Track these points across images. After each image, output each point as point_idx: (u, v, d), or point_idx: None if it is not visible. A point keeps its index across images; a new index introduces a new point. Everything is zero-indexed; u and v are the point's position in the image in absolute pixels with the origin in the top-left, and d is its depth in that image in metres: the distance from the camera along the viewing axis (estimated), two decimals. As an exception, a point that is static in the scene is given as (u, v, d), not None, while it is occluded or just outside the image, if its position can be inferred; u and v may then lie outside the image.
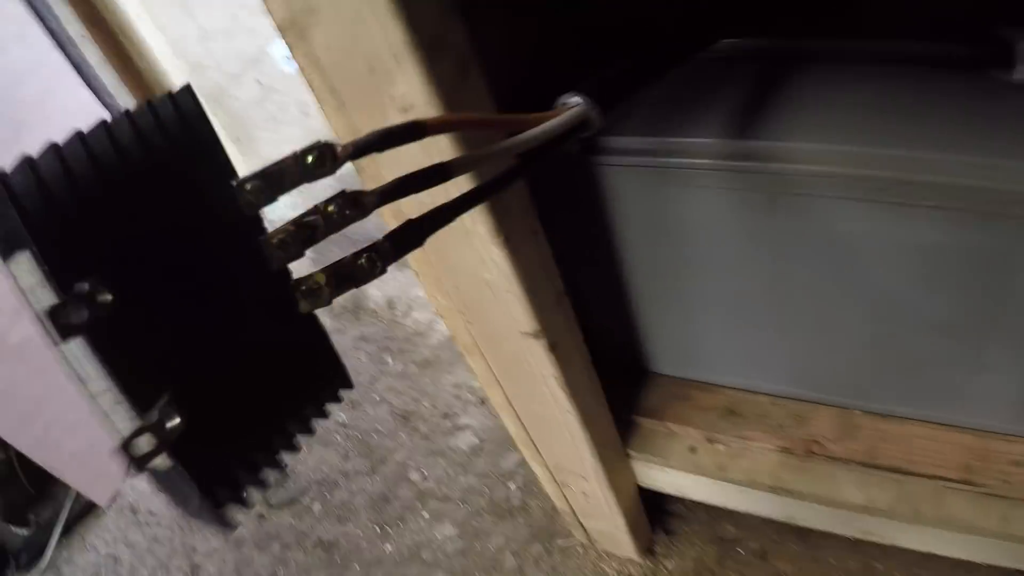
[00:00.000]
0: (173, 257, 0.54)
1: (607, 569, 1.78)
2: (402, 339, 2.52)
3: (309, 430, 0.62)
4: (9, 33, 2.55)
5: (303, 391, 0.60)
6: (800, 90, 1.06)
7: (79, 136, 0.53)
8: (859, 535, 1.43)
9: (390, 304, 2.63)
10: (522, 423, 1.37)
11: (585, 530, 1.72)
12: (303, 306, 0.54)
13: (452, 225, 0.89)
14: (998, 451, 1.24)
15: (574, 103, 0.73)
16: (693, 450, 1.45)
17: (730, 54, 1.14)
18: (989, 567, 1.38)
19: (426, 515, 2.08)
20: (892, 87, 1.03)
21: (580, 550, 1.83)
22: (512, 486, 2.01)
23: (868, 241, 1.05)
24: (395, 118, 0.83)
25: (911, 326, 1.14)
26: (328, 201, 0.54)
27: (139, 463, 0.55)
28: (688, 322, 1.36)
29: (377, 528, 2.10)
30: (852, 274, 1.10)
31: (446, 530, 2.02)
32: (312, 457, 2.30)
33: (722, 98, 1.07)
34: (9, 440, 2.31)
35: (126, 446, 0.53)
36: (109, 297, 0.50)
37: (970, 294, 1.05)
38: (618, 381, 1.48)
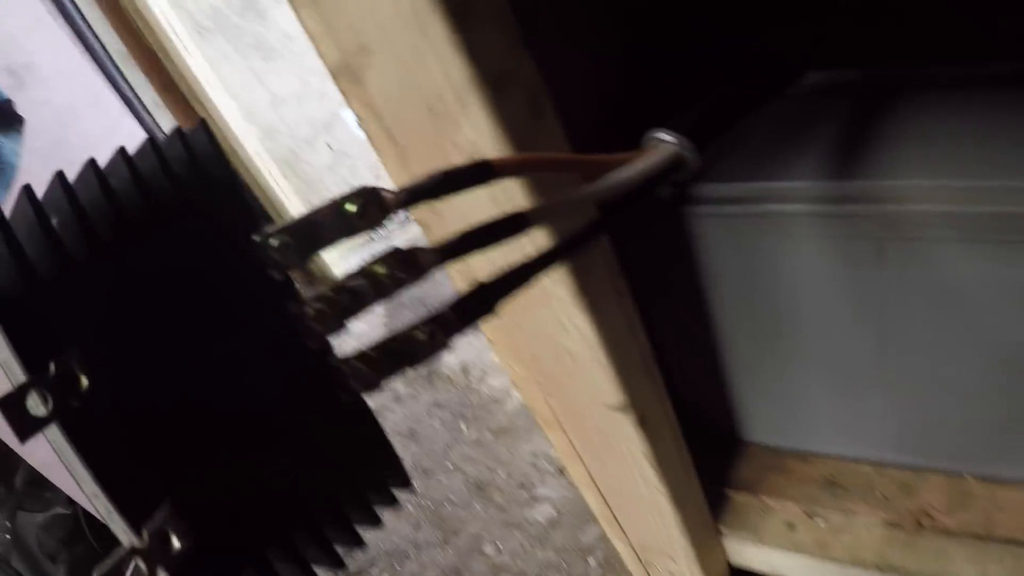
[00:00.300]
0: (180, 326, 0.42)
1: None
2: (477, 406, 2.42)
3: (355, 540, 0.50)
4: (83, 99, 2.53)
5: (347, 492, 0.48)
6: (900, 122, 0.95)
7: (59, 179, 0.42)
8: None
9: (464, 370, 2.52)
10: (605, 500, 1.26)
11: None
12: (348, 391, 0.43)
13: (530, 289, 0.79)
14: None
15: (665, 141, 0.61)
16: (791, 526, 1.32)
17: (815, 88, 1.04)
18: None
19: (501, 592, 1.95)
20: (998, 112, 0.92)
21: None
22: (592, 562, 1.89)
23: (988, 287, 0.94)
24: (462, 168, 0.73)
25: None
26: (377, 260, 0.43)
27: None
28: (785, 385, 1.24)
29: (451, 606, 1.97)
30: (971, 326, 0.99)
31: (523, 607, 1.89)
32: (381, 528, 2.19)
33: (816, 136, 0.97)
34: (75, 498, 2.27)
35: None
36: (84, 381, 0.38)
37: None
38: (707, 452, 1.35)
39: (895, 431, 1.23)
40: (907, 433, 1.23)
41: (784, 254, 1.01)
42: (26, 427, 0.37)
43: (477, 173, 0.48)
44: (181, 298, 0.43)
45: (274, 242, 0.41)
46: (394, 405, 2.55)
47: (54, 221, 0.41)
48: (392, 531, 2.19)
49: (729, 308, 1.14)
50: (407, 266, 0.44)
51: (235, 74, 2.85)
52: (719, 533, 1.39)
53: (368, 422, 0.50)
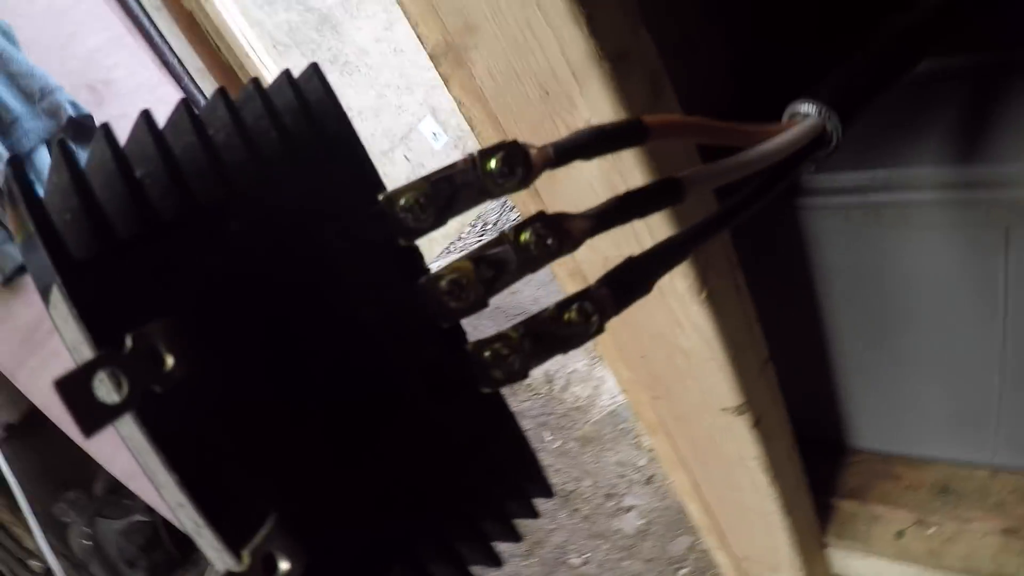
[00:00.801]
0: (286, 301, 0.36)
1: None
2: (561, 415, 2.36)
3: (490, 559, 0.44)
4: (162, 114, 2.55)
5: (482, 503, 0.42)
6: (1018, 106, 0.88)
7: (146, 122, 0.36)
8: None
9: (548, 378, 2.48)
10: (710, 510, 1.20)
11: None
12: (489, 380, 0.37)
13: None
14: None
15: (808, 113, 0.55)
16: (900, 535, 1.25)
17: (925, 75, 0.97)
18: None
19: (588, 603, 1.89)
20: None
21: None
22: (682, 573, 1.82)
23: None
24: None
25: None
26: (522, 226, 0.38)
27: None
28: (899, 387, 1.17)
29: (534, 617, 1.93)
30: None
31: (608, 619, 1.83)
32: None
33: (932, 122, 0.91)
34: (154, 506, 2.30)
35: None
36: (169, 360, 0.31)
37: None
38: (814, 459, 1.29)
39: (1014, 433, 1.16)
40: None
41: (903, 246, 0.95)
42: (92, 417, 0.30)
43: (631, 132, 0.43)
44: (288, 268, 0.36)
45: (404, 202, 0.36)
46: (475, 418, 2.50)
47: (138, 172, 0.34)
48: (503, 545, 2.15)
49: (841, 305, 1.08)
50: (558, 233, 0.38)
51: None
52: (824, 543, 1.32)
53: (506, 419, 0.43)
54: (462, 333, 0.40)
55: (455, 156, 3.27)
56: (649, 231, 0.61)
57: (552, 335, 0.38)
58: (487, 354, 0.37)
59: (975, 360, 1.05)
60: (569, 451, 2.26)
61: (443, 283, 0.36)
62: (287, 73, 0.39)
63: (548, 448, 2.30)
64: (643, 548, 1.92)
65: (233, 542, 0.33)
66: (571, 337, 0.39)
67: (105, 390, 0.30)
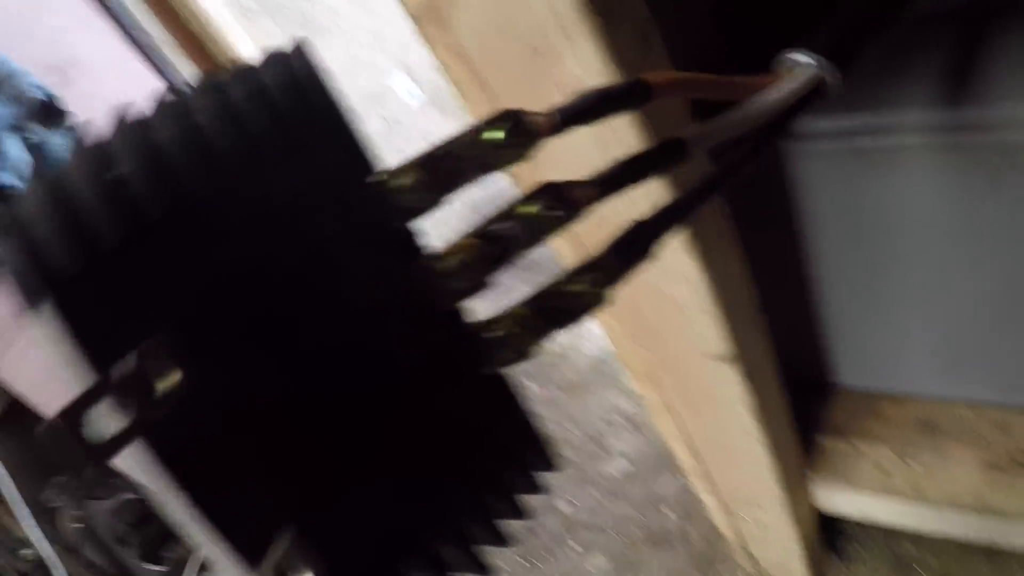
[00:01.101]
0: (285, 296, 0.34)
1: (775, 599, 1.60)
2: (545, 363, 2.37)
3: (498, 539, 0.44)
4: (134, 89, 2.52)
5: (490, 485, 0.42)
6: (1009, 47, 0.88)
7: (123, 114, 0.34)
8: None
9: (527, 329, 2.47)
10: (698, 454, 1.21)
11: (754, 559, 1.55)
12: (496, 360, 0.37)
13: None
14: None
15: (804, 63, 0.55)
16: (884, 470, 1.27)
17: (915, 17, 0.97)
18: None
19: (577, 547, 1.92)
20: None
21: (745, 579, 1.66)
22: (669, 513, 1.85)
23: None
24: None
25: None
26: (528, 199, 0.37)
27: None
28: (885, 326, 1.19)
29: (524, 562, 1.95)
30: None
31: (598, 561, 1.86)
32: None
33: (921, 64, 0.91)
34: (161, 513, 2.24)
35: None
36: (177, 377, 0.30)
37: None
38: (799, 396, 1.31)
39: (996, 369, 1.18)
40: (1010, 372, 1.18)
41: (892, 189, 0.95)
42: (99, 450, 0.29)
43: (634, 93, 0.42)
44: (285, 260, 0.34)
45: (406, 180, 0.35)
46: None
47: (121, 170, 0.32)
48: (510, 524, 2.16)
49: (829, 247, 1.09)
50: (563, 201, 0.38)
51: None
52: (808, 479, 1.34)
53: (510, 396, 0.43)
54: (459, 314, 0.39)
55: (431, 114, 3.24)
56: (645, 192, 0.61)
57: (562, 309, 0.37)
58: (499, 334, 0.36)
59: (960, 299, 1.07)
60: (555, 399, 2.27)
61: (446, 264, 0.35)
62: (276, 51, 0.37)
63: (534, 397, 2.28)
64: (630, 491, 1.94)
65: (251, 560, 0.32)
66: (581, 308, 0.38)
67: (105, 420, 0.29)
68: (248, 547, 0.32)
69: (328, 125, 0.38)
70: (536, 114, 0.38)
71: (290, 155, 0.35)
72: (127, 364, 0.29)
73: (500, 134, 0.36)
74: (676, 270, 0.80)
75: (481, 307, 0.37)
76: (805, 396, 1.36)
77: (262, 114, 0.35)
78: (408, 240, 0.37)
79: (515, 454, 0.44)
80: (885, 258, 1.05)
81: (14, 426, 2.23)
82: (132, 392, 0.29)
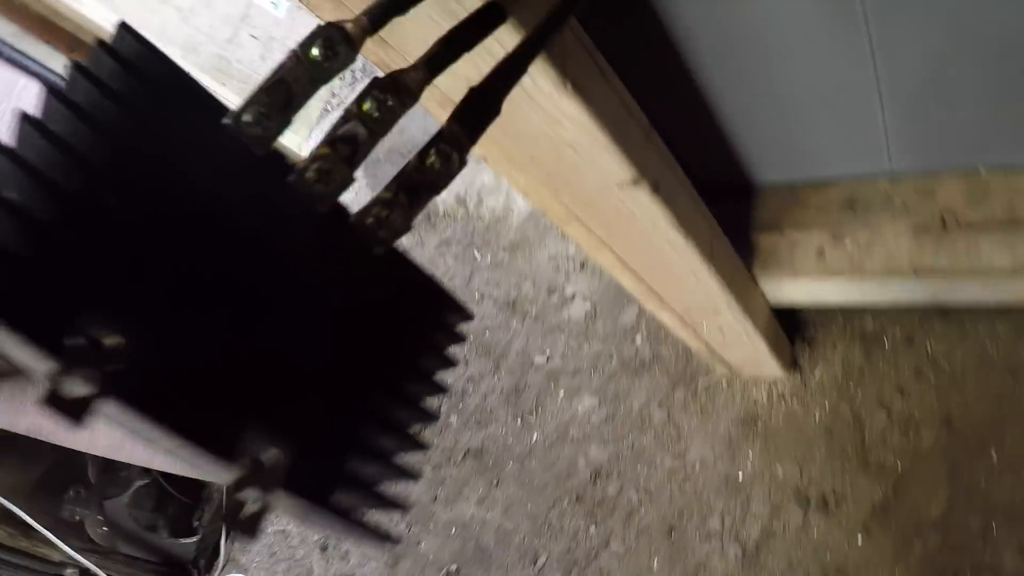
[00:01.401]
0: (189, 244, 0.38)
1: (757, 395, 1.68)
2: (483, 231, 2.40)
3: (437, 389, 0.48)
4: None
5: (417, 345, 0.45)
6: None
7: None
8: (1009, 301, 1.33)
9: (460, 201, 2.50)
10: (641, 278, 1.24)
11: (726, 363, 1.61)
12: (379, 243, 0.40)
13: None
14: None
15: None
16: (821, 253, 1.32)
17: None
18: None
19: (562, 394, 1.98)
20: None
21: (725, 384, 1.73)
22: (638, 340, 1.90)
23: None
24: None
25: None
26: (361, 98, 0.40)
27: (250, 525, 0.40)
28: (786, 120, 1.22)
29: (518, 421, 2.01)
30: (966, 13, 0.95)
31: (586, 402, 1.92)
32: None
33: None
34: (148, 465, 2.32)
35: (230, 515, 0.38)
36: (119, 339, 0.34)
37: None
38: (724, 203, 1.33)
39: (903, 138, 1.22)
40: (915, 137, 1.21)
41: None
42: (80, 412, 0.33)
43: (485, 12, 0.45)
44: (178, 214, 0.38)
45: (247, 117, 0.38)
46: (404, 257, 2.51)
47: (11, 194, 0.36)
48: (446, 373, 2.19)
49: (711, 59, 1.10)
50: (396, 92, 0.40)
51: (134, 4, 2.70)
52: (754, 278, 1.39)
53: (408, 267, 0.46)
54: (344, 208, 0.42)
55: (301, 19, 3.15)
56: (500, 44, 0.63)
57: (422, 183, 0.41)
58: (370, 221, 0.39)
59: (850, 78, 1.09)
60: (501, 262, 2.31)
61: (310, 173, 0.39)
62: (99, 42, 0.40)
63: (481, 265, 2.34)
64: (597, 329, 1.99)
65: (228, 456, 0.37)
66: (439, 177, 0.41)
67: (77, 387, 0.33)
68: (222, 447, 0.36)
69: (170, 88, 0.40)
70: (345, 23, 0.40)
71: (145, 125, 0.39)
72: (74, 337, 0.33)
73: (317, 51, 0.39)
74: (561, 114, 0.82)
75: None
76: (733, 201, 1.41)
77: (105, 102, 0.38)
78: (276, 161, 0.41)
79: (430, 314, 0.47)
80: (768, 57, 1.07)
81: (7, 458, 2.24)
82: (89, 362, 0.33)
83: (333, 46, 0.39)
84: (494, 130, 0.87)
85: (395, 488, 0.44)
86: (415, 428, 0.46)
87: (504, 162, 0.96)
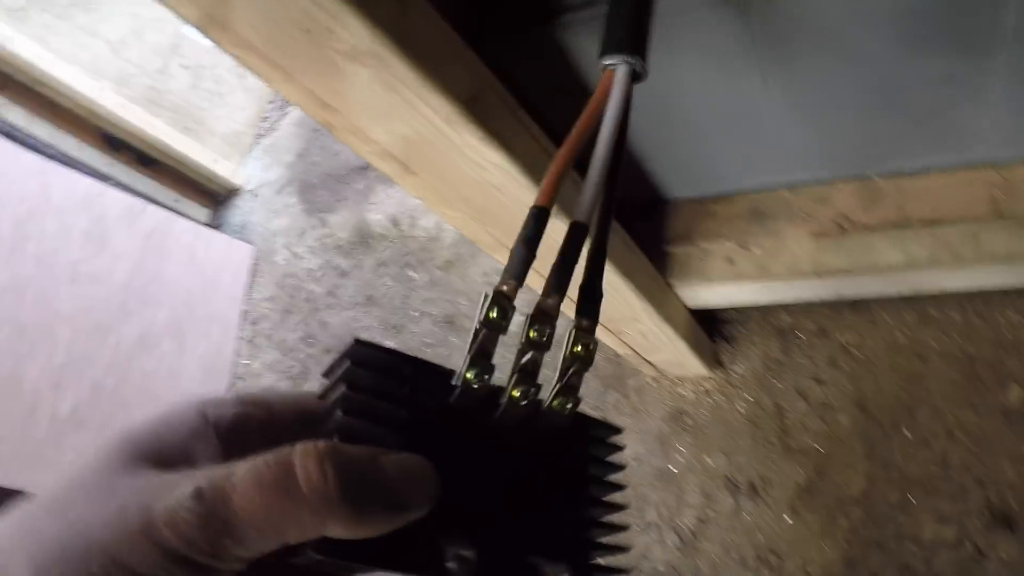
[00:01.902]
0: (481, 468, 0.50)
1: (684, 392, 1.78)
2: (418, 251, 2.46)
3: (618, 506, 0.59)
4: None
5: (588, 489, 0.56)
6: None
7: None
8: (909, 292, 1.44)
9: (394, 222, 2.56)
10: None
11: (652, 364, 1.71)
12: (564, 417, 0.51)
13: (438, 143, 0.85)
14: (1021, 179, 1.23)
15: (613, 64, 0.68)
16: (731, 261, 1.42)
17: None
18: None
19: (500, 403, 2.03)
20: None
21: (653, 384, 1.83)
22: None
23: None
24: (348, 67, 0.79)
25: (909, 77, 1.09)
26: (531, 329, 0.50)
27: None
28: (687, 138, 1.31)
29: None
30: (837, 44, 1.05)
31: (522, 409, 1.98)
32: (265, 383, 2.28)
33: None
34: None
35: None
36: (471, 553, 0.45)
37: (958, 34, 1.00)
38: (639, 219, 1.46)
39: (798, 151, 1.31)
40: (811, 150, 1.31)
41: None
42: None
43: (541, 222, 0.55)
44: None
45: (471, 376, 0.47)
46: (343, 281, 2.58)
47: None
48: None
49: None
50: (547, 320, 0.51)
51: (64, 39, 2.66)
52: (671, 286, 1.49)
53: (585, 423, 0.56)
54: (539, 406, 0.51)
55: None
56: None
57: (577, 371, 0.51)
58: (559, 405, 0.50)
59: (746, 104, 1.18)
60: (437, 280, 2.36)
61: (520, 404, 0.48)
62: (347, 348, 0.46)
63: (418, 285, 2.40)
64: (530, 341, 2.05)
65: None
66: (586, 360, 0.51)
67: None
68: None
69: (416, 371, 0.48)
70: (502, 289, 0.50)
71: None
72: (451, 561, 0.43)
73: (494, 314, 0.48)
74: (486, 161, 0.92)
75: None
76: (646, 216, 1.51)
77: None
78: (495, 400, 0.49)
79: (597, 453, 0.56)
80: (672, 84, 1.16)
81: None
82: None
83: (504, 308, 0.49)
84: (428, 179, 0.97)
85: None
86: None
87: (439, 204, 1.05)
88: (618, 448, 0.56)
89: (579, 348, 0.51)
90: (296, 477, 0.35)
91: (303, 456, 0.36)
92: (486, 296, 0.49)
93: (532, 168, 0.96)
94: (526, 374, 0.49)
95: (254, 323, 2.72)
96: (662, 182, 1.44)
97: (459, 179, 0.97)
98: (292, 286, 2.70)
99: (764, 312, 1.74)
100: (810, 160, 1.33)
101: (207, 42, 2.49)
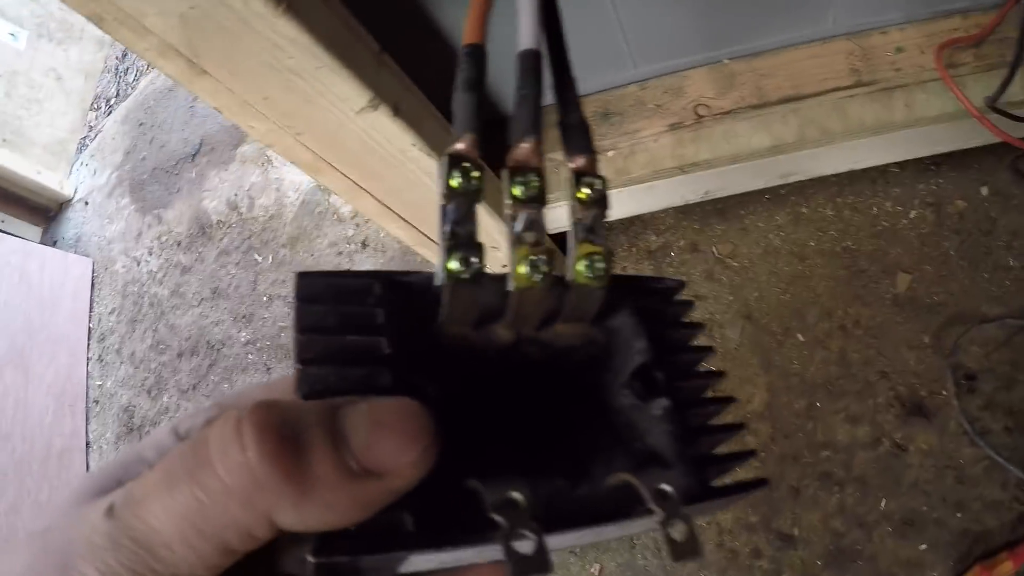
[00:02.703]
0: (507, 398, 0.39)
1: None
2: (260, 232, 2.32)
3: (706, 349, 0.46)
4: None
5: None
6: None
7: None
8: (779, 181, 1.37)
9: (232, 206, 2.41)
10: (409, 223, 1.19)
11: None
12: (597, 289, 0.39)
13: (221, 15, 0.73)
14: (876, 46, 1.19)
15: None
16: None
17: None
18: (905, 166, 1.42)
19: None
20: None
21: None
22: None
23: None
24: None
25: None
26: (514, 192, 0.39)
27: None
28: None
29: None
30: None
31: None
32: (239, 389, 2.09)
33: None
34: None
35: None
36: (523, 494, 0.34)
37: None
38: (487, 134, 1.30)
39: (643, 44, 1.23)
40: (656, 41, 1.22)
41: None
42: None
43: (529, 62, 0.42)
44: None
45: (455, 265, 0.36)
46: (186, 277, 2.44)
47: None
48: (253, 384, 2.11)
49: None
50: (533, 170, 0.40)
51: None
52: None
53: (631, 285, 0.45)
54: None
55: (43, 46, 3.00)
56: None
57: (593, 225, 0.40)
58: (580, 271, 0.39)
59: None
60: (283, 259, 2.24)
61: (524, 276, 0.37)
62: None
63: (264, 267, 2.27)
64: (390, 304, 1.93)
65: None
66: (599, 205, 0.41)
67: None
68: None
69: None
70: (457, 146, 0.38)
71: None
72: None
73: (456, 181, 0.37)
74: (279, 38, 0.77)
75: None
76: (490, 136, 1.36)
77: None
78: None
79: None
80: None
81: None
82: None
83: (467, 170, 0.37)
84: (223, 73, 0.81)
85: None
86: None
87: (239, 111, 0.89)
88: (687, 305, 0.45)
89: (585, 191, 0.40)
90: (211, 459, 0.27)
91: (219, 428, 0.28)
92: (440, 162, 0.37)
93: (336, 47, 0.81)
94: (528, 243, 0.37)
95: (101, 339, 2.55)
96: (499, 96, 1.32)
97: (254, 69, 0.82)
98: (135, 293, 2.54)
99: (632, 238, 1.65)
100: (656, 51, 1.24)
101: (17, 44, 2.35)
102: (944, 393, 1.32)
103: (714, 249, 1.57)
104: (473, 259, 0.35)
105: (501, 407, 0.37)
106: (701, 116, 1.25)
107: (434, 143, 0.99)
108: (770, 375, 1.46)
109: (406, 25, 1.12)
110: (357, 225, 2.08)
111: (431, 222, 1.20)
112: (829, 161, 1.29)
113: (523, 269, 0.36)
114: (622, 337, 0.42)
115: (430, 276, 0.37)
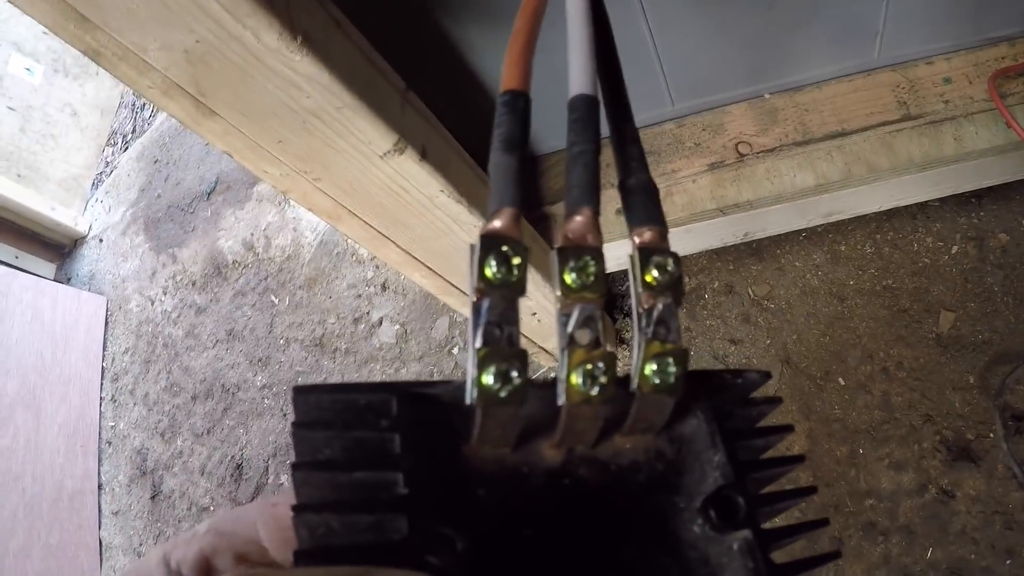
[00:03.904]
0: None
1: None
2: (276, 273, 2.26)
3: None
4: None
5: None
6: None
7: None
8: (821, 221, 1.30)
9: (248, 246, 2.35)
10: (432, 270, 1.10)
11: (549, 353, 1.51)
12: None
13: (230, 50, 0.66)
14: (923, 77, 1.14)
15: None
16: (619, 212, 1.21)
17: None
18: (946, 200, 1.37)
19: (387, 426, 1.85)
20: None
21: (552, 376, 1.62)
22: (456, 351, 1.81)
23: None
24: None
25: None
26: (566, 280, 0.32)
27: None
28: (559, 78, 1.10)
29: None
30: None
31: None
32: (254, 434, 2.07)
33: None
34: None
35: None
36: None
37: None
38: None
39: (681, 80, 1.16)
40: (693, 78, 1.16)
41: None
42: None
43: (587, 108, 0.38)
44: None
45: (489, 380, 0.30)
46: (201, 318, 2.37)
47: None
48: (267, 432, 2.06)
49: (464, 17, 1.00)
50: (588, 251, 0.32)
51: None
52: (552, 248, 1.27)
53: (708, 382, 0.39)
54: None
55: (59, 81, 2.97)
56: None
57: (663, 317, 0.34)
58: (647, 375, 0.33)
59: (626, 30, 1.03)
60: (300, 301, 2.18)
61: (577, 388, 0.31)
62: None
63: (280, 309, 2.20)
64: (410, 349, 1.88)
65: None
66: (673, 290, 0.34)
67: None
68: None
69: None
70: (493, 225, 0.32)
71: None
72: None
73: (493, 267, 0.30)
74: (295, 75, 0.68)
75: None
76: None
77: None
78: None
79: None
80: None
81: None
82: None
83: (506, 256, 0.30)
84: (232, 113, 0.73)
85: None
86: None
87: (254, 158, 0.81)
88: (773, 403, 0.39)
89: (654, 273, 0.33)
90: None
91: None
92: (473, 248, 0.31)
93: (357, 84, 0.73)
94: (583, 345, 0.30)
95: (114, 379, 2.48)
96: (534, 137, 1.26)
97: (270, 109, 0.73)
98: (149, 333, 2.47)
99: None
100: (695, 86, 1.18)
101: (33, 80, 2.30)
102: (991, 435, 1.26)
103: (750, 291, 1.50)
104: (513, 372, 0.29)
105: (546, 548, 0.31)
106: (743, 154, 1.18)
107: (462, 188, 0.91)
108: (810, 421, 1.39)
109: (430, 57, 1.06)
110: (376, 267, 2.02)
111: (460, 272, 1.12)
112: (874, 198, 1.22)
113: (576, 379, 0.29)
114: (694, 449, 0.35)
115: (459, 387, 0.31)
